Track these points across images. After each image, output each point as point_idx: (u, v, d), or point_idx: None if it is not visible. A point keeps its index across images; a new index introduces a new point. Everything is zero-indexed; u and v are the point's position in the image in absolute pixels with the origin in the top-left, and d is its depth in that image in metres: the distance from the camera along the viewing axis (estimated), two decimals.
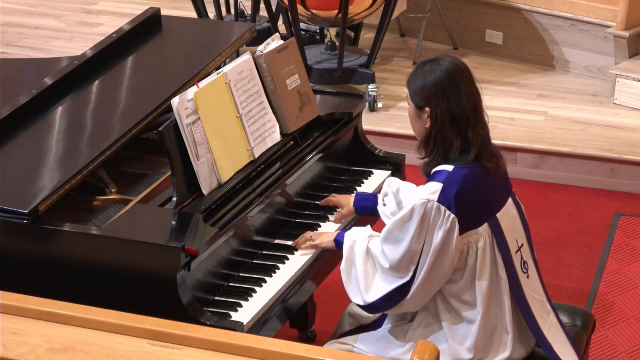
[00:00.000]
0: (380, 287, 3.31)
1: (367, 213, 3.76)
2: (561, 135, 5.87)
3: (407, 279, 3.26)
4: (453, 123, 3.22)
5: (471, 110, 3.24)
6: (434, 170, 3.27)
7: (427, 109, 3.24)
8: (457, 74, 3.24)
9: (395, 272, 3.28)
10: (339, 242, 3.51)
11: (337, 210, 3.84)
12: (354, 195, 3.81)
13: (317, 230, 3.75)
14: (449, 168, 3.24)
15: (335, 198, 3.85)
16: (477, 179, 3.25)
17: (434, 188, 3.22)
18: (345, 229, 3.68)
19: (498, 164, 3.30)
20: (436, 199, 3.20)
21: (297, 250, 3.62)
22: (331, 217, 3.82)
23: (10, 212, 3.31)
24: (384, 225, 3.42)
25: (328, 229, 3.75)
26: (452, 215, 3.19)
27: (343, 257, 3.42)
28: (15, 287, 2.92)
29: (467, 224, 3.23)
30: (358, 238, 3.42)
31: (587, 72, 6.55)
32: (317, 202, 3.91)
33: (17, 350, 2.59)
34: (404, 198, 3.60)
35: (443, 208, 3.19)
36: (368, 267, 3.35)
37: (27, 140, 3.66)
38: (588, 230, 5.28)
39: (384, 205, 3.65)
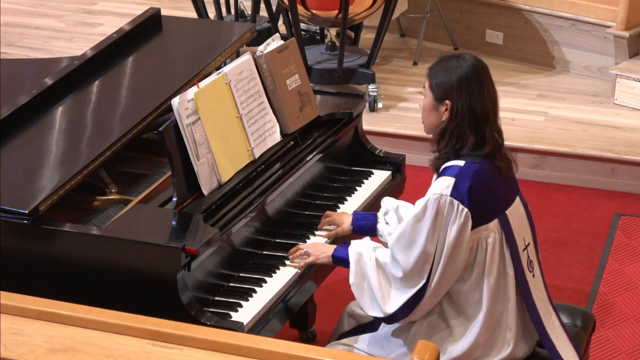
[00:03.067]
0: (398, 295, 3.29)
1: (365, 232, 3.67)
2: (561, 135, 5.87)
3: (423, 282, 3.25)
4: (472, 119, 3.24)
5: (491, 109, 3.27)
6: (444, 166, 3.28)
7: (447, 102, 3.25)
8: (482, 72, 3.29)
9: (410, 278, 3.26)
10: (338, 258, 3.45)
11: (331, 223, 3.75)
12: (350, 214, 3.72)
13: (315, 231, 3.75)
14: (460, 163, 3.24)
15: (330, 217, 3.75)
16: (488, 174, 3.25)
17: (447, 182, 3.21)
18: (340, 243, 3.56)
19: (509, 166, 3.32)
20: (449, 193, 3.20)
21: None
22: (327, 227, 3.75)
23: (10, 212, 3.31)
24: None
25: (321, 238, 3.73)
26: (466, 209, 3.19)
27: (351, 272, 3.36)
28: (15, 287, 2.92)
29: (478, 219, 3.23)
30: (363, 250, 3.38)
31: (587, 72, 6.55)
32: (317, 202, 3.92)
33: (17, 350, 2.59)
34: (404, 214, 3.59)
35: (456, 202, 3.19)
36: (381, 278, 3.32)
37: (27, 140, 3.66)
38: (588, 230, 5.28)
39: (386, 223, 3.61)
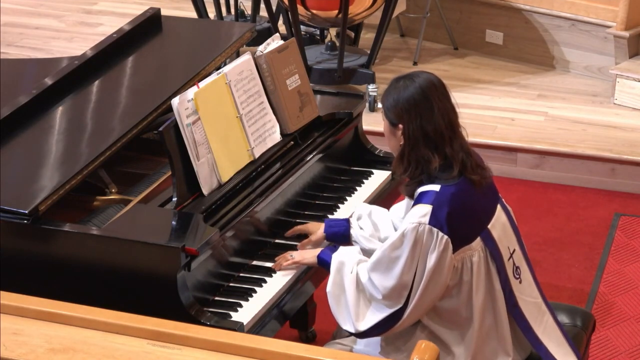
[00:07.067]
0: (372, 315, 3.26)
1: (338, 239, 3.58)
2: (561, 135, 5.87)
3: (400, 305, 3.22)
4: (427, 140, 3.18)
5: (445, 127, 3.19)
6: (419, 191, 3.22)
7: (400, 126, 3.21)
8: (431, 91, 3.20)
9: (388, 300, 3.23)
10: (322, 260, 3.41)
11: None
12: (323, 222, 3.65)
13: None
14: (436, 188, 3.18)
15: (302, 226, 3.68)
16: (466, 195, 3.20)
17: (424, 210, 3.16)
18: (329, 246, 3.53)
19: (483, 174, 3.25)
20: (427, 221, 3.14)
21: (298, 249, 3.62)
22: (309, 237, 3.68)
23: (10, 212, 3.31)
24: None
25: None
26: (445, 237, 3.14)
27: (330, 279, 3.32)
28: (15, 287, 2.92)
29: (460, 242, 3.18)
30: (346, 260, 3.33)
31: (587, 72, 6.55)
32: (317, 202, 3.92)
33: (17, 350, 2.59)
34: (378, 220, 3.57)
35: (435, 230, 3.14)
36: (358, 294, 3.28)
37: (27, 140, 3.67)
38: (588, 230, 5.28)
39: (361, 228, 3.56)
